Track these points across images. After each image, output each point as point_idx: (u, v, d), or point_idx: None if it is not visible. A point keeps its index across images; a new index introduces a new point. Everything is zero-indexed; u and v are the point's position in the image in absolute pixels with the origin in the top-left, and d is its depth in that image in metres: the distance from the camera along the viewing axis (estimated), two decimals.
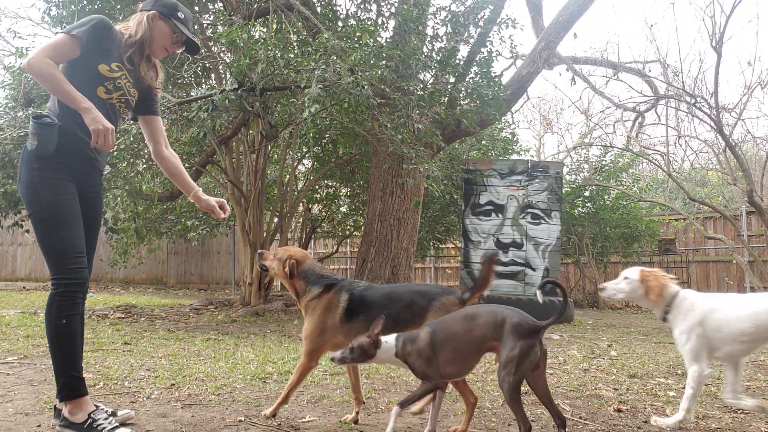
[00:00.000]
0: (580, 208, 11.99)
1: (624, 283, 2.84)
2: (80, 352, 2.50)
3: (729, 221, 11.53)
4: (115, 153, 6.46)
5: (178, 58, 6.96)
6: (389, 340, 2.37)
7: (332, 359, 2.38)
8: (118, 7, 7.14)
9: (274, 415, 2.69)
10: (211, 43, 7.65)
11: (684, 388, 3.52)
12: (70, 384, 2.44)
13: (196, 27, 7.68)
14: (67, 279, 2.44)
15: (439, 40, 7.69)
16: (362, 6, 8.06)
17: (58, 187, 2.45)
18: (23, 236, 13.98)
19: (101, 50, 2.53)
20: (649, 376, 3.87)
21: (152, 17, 2.65)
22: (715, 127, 9.55)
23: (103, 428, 2.42)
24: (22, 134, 6.42)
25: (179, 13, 2.70)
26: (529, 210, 9.35)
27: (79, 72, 2.50)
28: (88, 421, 2.43)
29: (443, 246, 12.70)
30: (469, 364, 2.33)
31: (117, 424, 2.47)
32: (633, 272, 2.85)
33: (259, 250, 2.94)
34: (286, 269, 2.75)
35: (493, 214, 9.40)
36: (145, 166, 7.51)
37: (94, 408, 2.50)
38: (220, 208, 2.84)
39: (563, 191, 10.08)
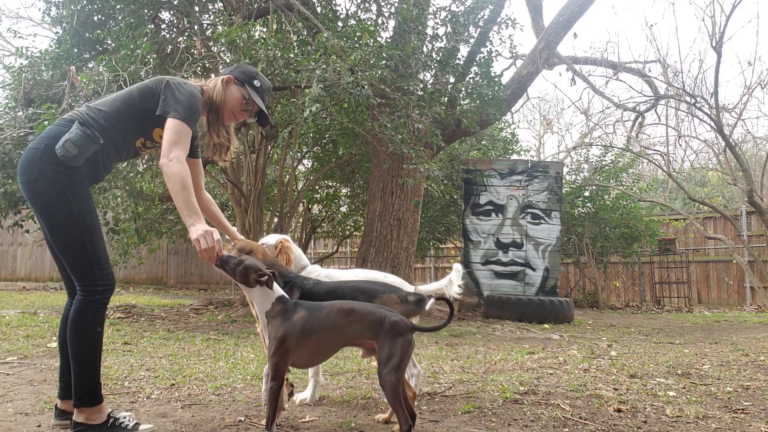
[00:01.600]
0: (580, 208, 12.00)
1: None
2: None
3: (729, 221, 11.54)
4: None
5: (178, 58, 6.96)
6: (277, 290, 2.30)
7: (217, 261, 2.30)
8: (118, 7, 7.14)
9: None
10: (211, 43, 7.64)
11: (685, 387, 3.52)
12: (94, 390, 2.42)
13: (195, 27, 7.68)
14: (102, 284, 2.43)
15: (439, 39, 7.70)
16: (362, 6, 8.07)
17: (85, 193, 2.44)
18: (23, 236, 13.98)
19: None
20: (649, 376, 3.87)
21: (227, 81, 2.63)
22: (715, 127, 9.56)
23: (126, 425, 2.42)
24: (22, 134, 6.42)
25: (255, 81, 2.68)
26: (529, 210, 9.35)
27: (134, 125, 2.51)
28: (110, 421, 2.43)
29: (443, 246, 12.71)
30: (326, 357, 2.33)
31: (135, 421, 2.48)
32: (272, 238, 3.11)
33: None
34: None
35: (493, 214, 9.41)
36: (145, 166, 7.50)
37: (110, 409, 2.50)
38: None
39: (563, 191, 10.09)
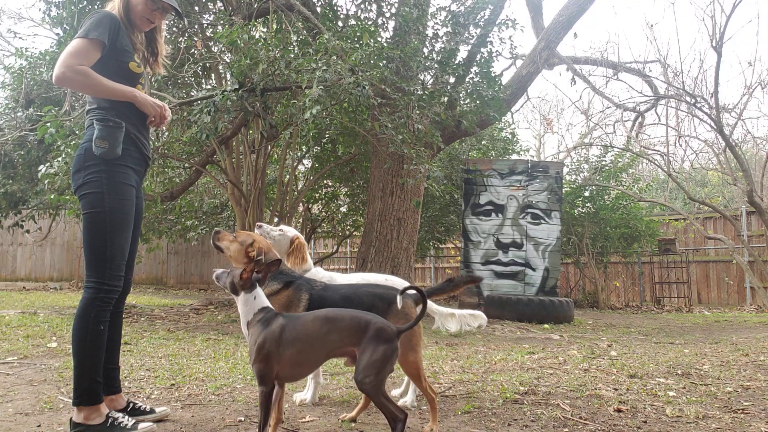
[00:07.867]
0: (580, 208, 12.00)
1: (278, 233, 3.09)
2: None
3: (729, 221, 11.54)
4: None
5: (178, 58, 6.96)
6: (261, 301, 2.26)
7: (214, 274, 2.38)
8: None
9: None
10: (211, 44, 7.65)
11: (685, 387, 3.52)
12: (93, 389, 2.42)
13: (196, 27, 7.68)
14: (109, 285, 2.45)
15: (439, 40, 7.70)
16: (362, 6, 8.06)
17: (124, 193, 2.47)
18: (23, 236, 13.98)
19: (122, 46, 2.53)
20: (649, 376, 3.87)
21: None
22: (715, 127, 9.57)
23: (126, 425, 2.42)
24: (22, 134, 6.42)
25: None
26: (529, 210, 9.35)
27: (117, 79, 2.49)
28: (109, 421, 2.42)
29: (443, 246, 12.71)
30: (310, 368, 2.26)
31: (134, 420, 2.49)
32: (291, 231, 3.13)
33: (216, 229, 2.75)
34: (253, 254, 2.53)
35: (493, 214, 9.41)
36: None
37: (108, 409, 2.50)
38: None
39: (563, 191, 10.09)
